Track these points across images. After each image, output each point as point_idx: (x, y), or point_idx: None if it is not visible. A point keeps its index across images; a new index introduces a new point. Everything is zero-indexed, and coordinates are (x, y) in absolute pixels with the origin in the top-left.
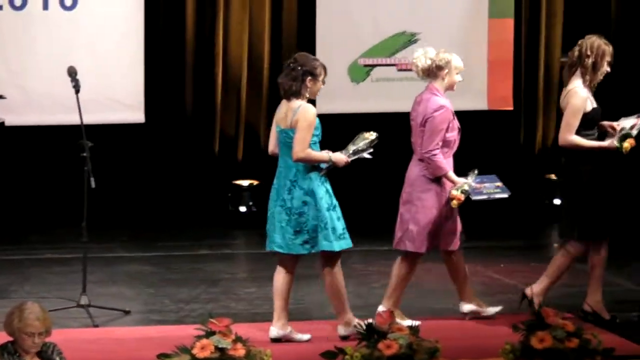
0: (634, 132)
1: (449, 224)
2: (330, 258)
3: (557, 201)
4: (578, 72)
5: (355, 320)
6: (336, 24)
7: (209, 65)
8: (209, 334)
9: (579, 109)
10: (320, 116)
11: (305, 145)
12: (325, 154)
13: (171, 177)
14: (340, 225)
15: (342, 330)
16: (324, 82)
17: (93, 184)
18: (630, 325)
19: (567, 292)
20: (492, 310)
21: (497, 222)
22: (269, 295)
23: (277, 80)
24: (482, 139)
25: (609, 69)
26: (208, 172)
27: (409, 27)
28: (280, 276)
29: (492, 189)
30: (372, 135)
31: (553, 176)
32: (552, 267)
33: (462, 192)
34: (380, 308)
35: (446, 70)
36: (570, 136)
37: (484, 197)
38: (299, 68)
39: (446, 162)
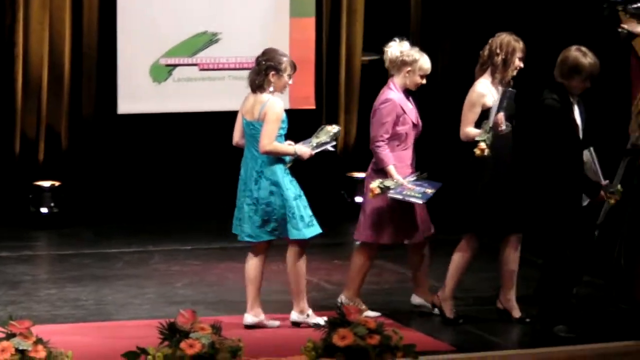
0: (484, 136)
1: (406, 216)
2: (298, 245)
3: (358, 199)
4: (488, 71)
5: (309, 311)
6: (137, 24)
7: (9, 66)
8: (10, 336)
9: (474, 103)
10: (123, 116)
11: (272, 138)
12: (291, 147)
13: None
14: (307, 213)
15: (295, 317)
16: (289, 78)
17: None
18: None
19: (371, 290)
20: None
21: None
22: (70, 297)
23: None
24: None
25: (521, 65)
26: (8, 174)
27: (210, 26)
28: (251, 264)
29: (415, 192)
30: (334, 129)
31: (355, 174)
32: (452, 267)
33: (380, 186)
34: (341, 298)
35: (409, 68)
36: (464, 128)
37: (400, 197)
38: (264, 62)
39: (394, 156)
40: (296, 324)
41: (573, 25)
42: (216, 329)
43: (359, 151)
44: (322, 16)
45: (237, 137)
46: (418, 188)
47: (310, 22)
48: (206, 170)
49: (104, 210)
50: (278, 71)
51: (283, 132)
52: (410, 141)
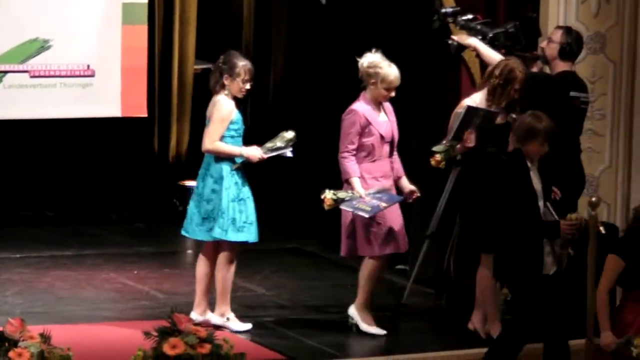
0: (441, 148)
1: (377, 229)
2: (228, 248)
3: None
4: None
5: (231, 314)
6: None
7: None
8: None
9: (456, 114)
10: None
11: (215, 138)
12: (237, 149)
13: None
14: (241, 217)
15: (215, 319)
16: (245, 83)
17: None
18: (263, 327)
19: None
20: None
21: (133, 231)
22: None
23: None
24: (117, 146)
25: (516, 96)
26: None
27: (42, 33)
28: (199, 263)
29: (367, 205)
30: (289, 135)
31: (187, 182)
32: (478, 291)
33: (333, 197)
34: (351, 310)
35: (373, 81)
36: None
37: (350, 209)
38: (220, 65)
39: (361, 168)
40: (216, 327)
41: (405, 37)
42: (45, 337)
43: (191, 160)
44: (155, 24)
45: None
46: (373, 201)
47: (142, 30)
48: (36, 178)
49: None
50: (231, 75)
51: (236, 133)
52: (380, 153)
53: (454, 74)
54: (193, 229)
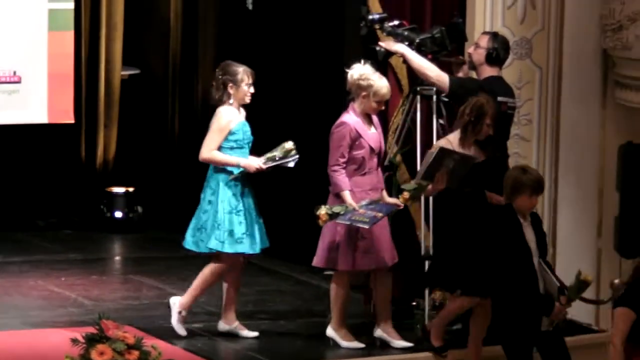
0: (410, 187)
1: (362, 242)
2: (224, 259)
3: (118, 214)
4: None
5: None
6: None
7: None
8: None
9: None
10: None
11: (211, 147)
12: (235, 159)
13: None
14: (240, 229)
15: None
16: (249, 87)
17: None
18: (192, 333)
19: (130, 306)
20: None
21: (60, 237)
22: None
23: None
24: (43, 152)
25: (490, 132)
26: None
27: None
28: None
29: (363, 217)
30: (288, 145)
31: (114, 189)
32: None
33: (328, 212)
34: (328, 330)
35: (364, 93)
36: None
37: (348, 223)
38: (220, 77)
39: (351, 181)
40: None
41: (331, 44)
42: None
43: (118, 166)
44: (81, 30)
45: None
46: (368, 212)
47: (69, 36)
48: None
49: None
50: (235, 83)
51: (236, 144)
52: (370, 166)
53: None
54: (187, 240)
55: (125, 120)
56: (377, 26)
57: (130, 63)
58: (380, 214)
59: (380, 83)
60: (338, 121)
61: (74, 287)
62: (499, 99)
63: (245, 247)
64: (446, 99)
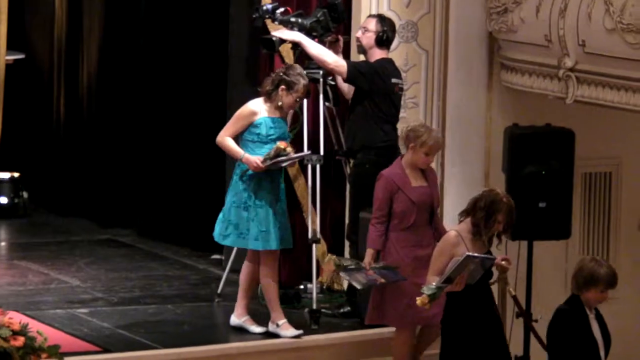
0: (430, 291)
1: (397, 298)
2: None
3: (3, 199)
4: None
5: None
6: None
7: None
8: None
9: (442, 251)
10: None
11: (227, 133)
12: (240, 152)
13: None
14: (246, 224)
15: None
16: (298, 100)
17: None
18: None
19: (15, 291)
20: None
21: None
22: None
23: None
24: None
25: (500, 229)
26: None
27: None
28: (242, 267)
29: (364, 278)
30: (281, 145)
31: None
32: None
33: (337, 263)
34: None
35: (412, 144)
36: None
37: (347, 278)
38: (282, 74)
39: (393, 236)
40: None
41: (218, 37)
42: None
43: (3, 152)
44: None
45: None
46: (371, 276)
47: None
48: None
49: None
50: (289, 89)
51: (257, 138)
52: (413, 221)
53: (267, 70)
54: (216, 230)
55: (10, 105)
56: (269, 16)
57: (15, 47)
58: (381, 280)
59: (434, 136)
60: (380, 174)
61: None
62: (393, 80)
63: (254, 244)
64: (333, 83)
